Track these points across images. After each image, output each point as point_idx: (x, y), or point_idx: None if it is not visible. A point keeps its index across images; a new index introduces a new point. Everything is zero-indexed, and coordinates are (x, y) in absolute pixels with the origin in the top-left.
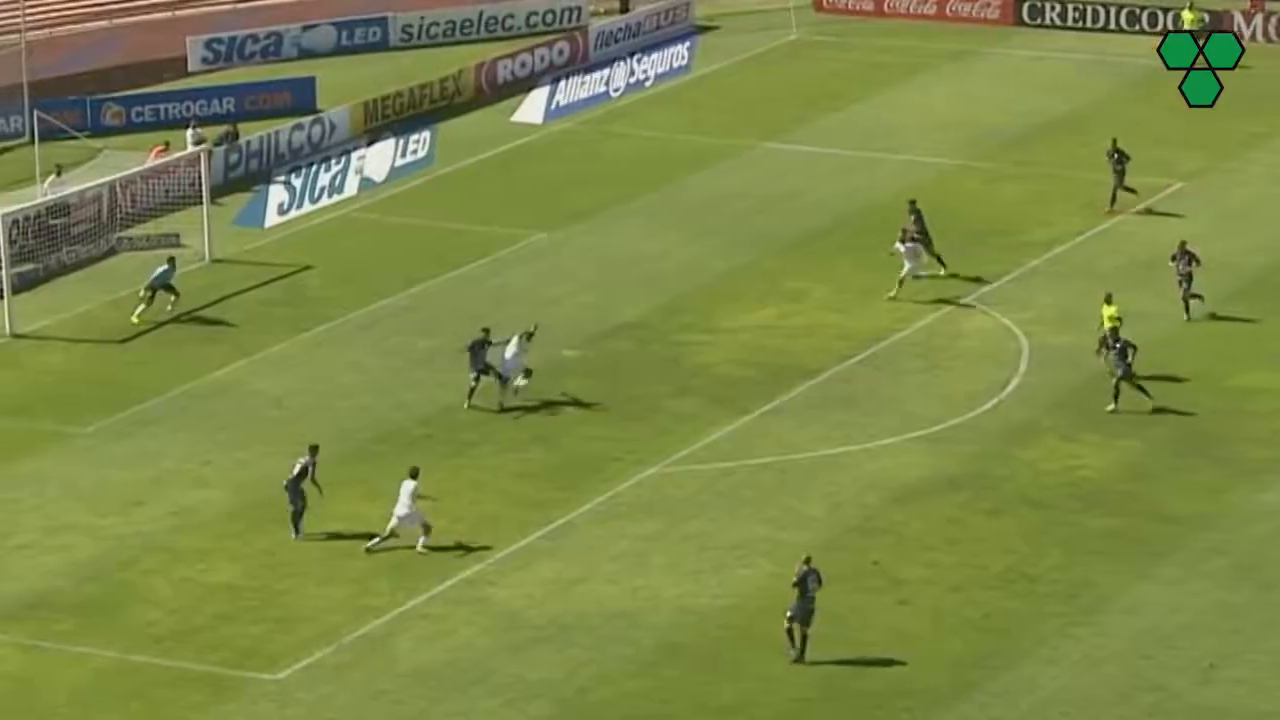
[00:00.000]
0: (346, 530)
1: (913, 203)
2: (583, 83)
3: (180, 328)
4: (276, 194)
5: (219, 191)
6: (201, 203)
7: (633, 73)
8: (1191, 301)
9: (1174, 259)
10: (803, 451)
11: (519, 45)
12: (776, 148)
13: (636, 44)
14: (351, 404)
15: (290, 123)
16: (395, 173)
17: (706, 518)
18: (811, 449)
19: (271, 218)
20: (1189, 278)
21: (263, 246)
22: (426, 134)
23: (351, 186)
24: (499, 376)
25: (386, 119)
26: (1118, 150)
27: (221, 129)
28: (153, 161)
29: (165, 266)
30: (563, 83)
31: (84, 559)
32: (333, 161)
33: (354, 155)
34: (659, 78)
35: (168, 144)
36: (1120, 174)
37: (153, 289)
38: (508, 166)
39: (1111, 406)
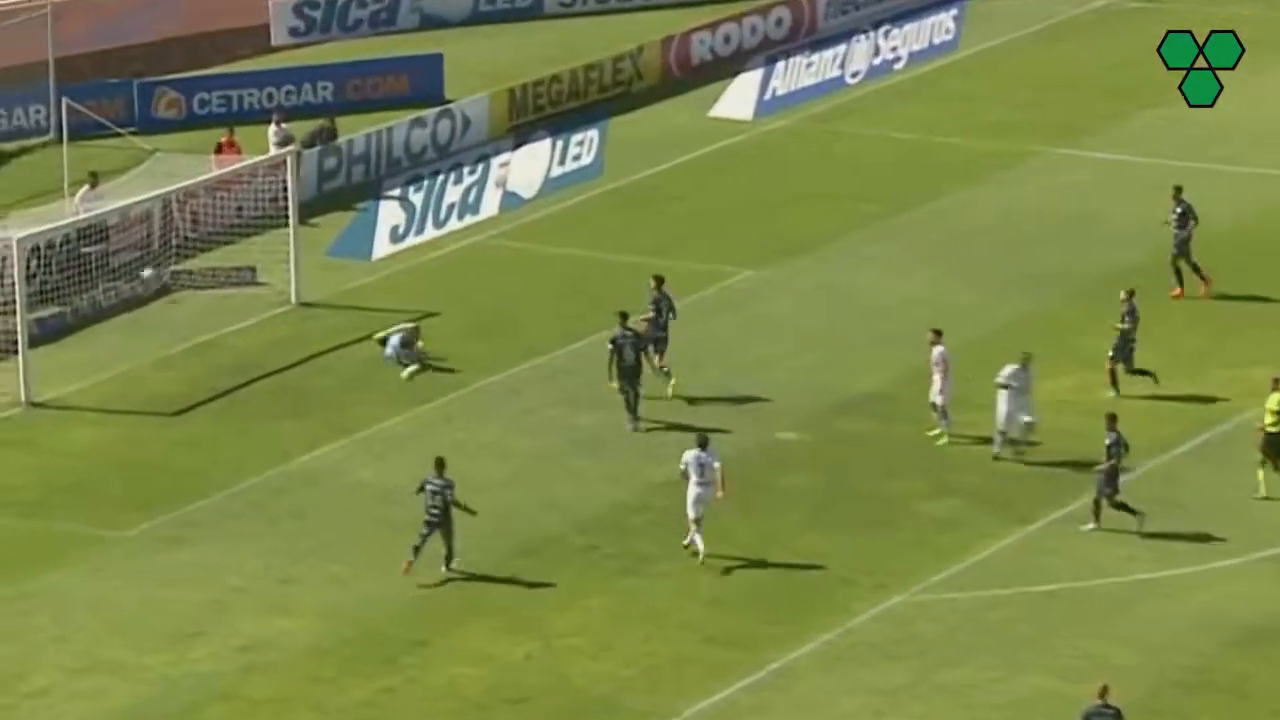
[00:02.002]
0: (477, 675)
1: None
2: (809, 64)
3: (254, 396)
4: (388, 214)
5: (311, 209)
6: (287, 224)
7: (877, 51)
8: None
9: None
10: (1107, 575)
11: (721, 13)
12: (1072, 154)
13: (883, 11)
14: (488, 501)
15: (408, 116)
16: (550, 186)
17: (973, 665)
18: (1119, 572)
19: (382, 246)
20: None
21: (369, 285)
22: (593, 134)
23: (491, 204)
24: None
25: (539, 113)
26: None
27: (314, 125)
28: (219, 168)
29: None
30: (781, 65)
31: (120, 709)
32: (466, 170)
33: (494, 162)
34: (913, 58)
35: (231, 131)
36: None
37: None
38: (704, 178)
39: None
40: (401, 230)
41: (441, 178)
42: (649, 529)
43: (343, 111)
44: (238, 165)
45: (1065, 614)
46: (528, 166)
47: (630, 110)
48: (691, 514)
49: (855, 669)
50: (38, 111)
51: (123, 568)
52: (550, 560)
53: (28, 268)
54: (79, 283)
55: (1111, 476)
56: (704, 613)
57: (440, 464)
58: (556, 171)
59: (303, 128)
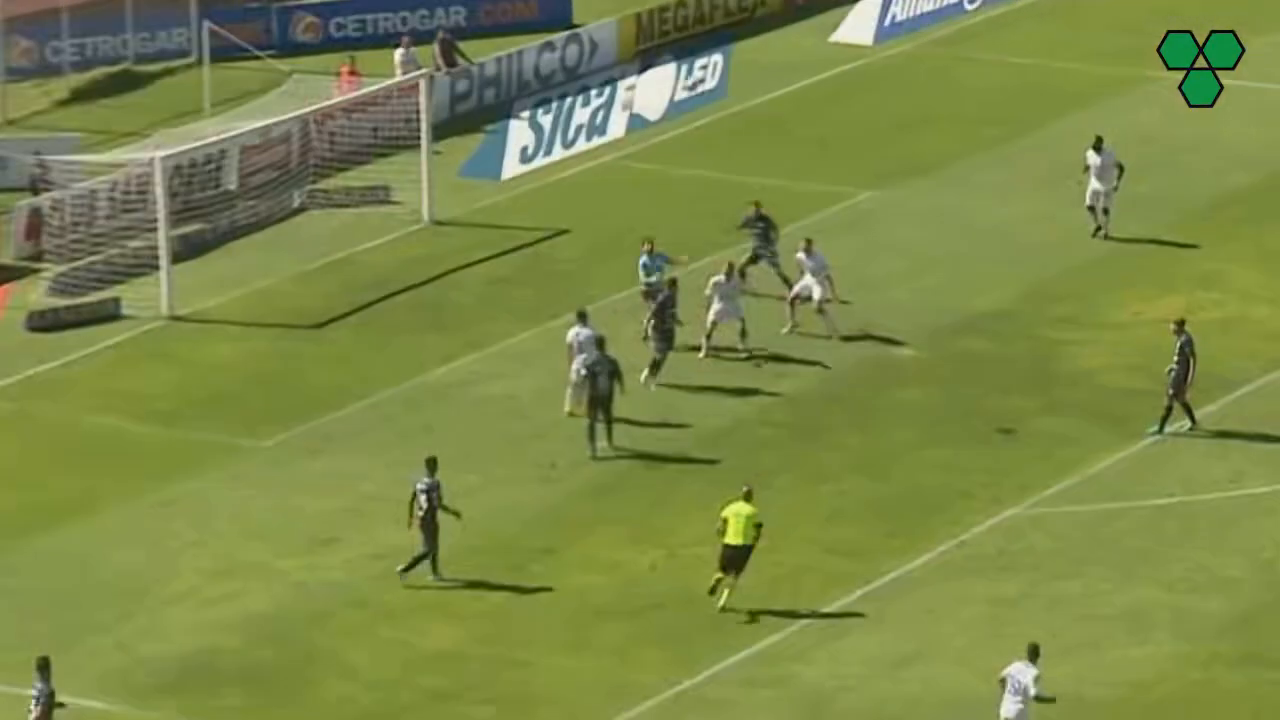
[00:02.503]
0: (604, 583)
1: None
2: None
3: (390, 311)
4: (518, 135)
5: (443, 131)
6: (419, 146)
7: None
8: None
9: None
10: (1218, 490)
11: None
12: None
13: None
14: (620, 409)
15: (537, 40)
16: (676, 108)
17: (1087, 576)
18: (1230, 487)
19: (511, 166)
20: None
21: (499, 204)
22: (718, 58)
23: (618, 126)
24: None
25: (664, 37)
26: None
27: (438, 45)
28: (347, 89)
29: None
30: None
31: (259, 613)
32: (593, 93)
33: (621, 85)
34: None
35: (353, 60)
36: None
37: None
38: (825, 102)
39: None
40: (530, 151)
41: (570, 100)
42: (771, 443)
43: (475, 35)
44: (375, 87)
45: (1176, 527)
46: (654, 90)
47: (754, 35)
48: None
49: (971, 580)
50: (181, 34)
51: (260, 476)
52: (673, 473)
53: (171, 187)
54: (221, 201)
55: (1179, 379)
56: (823, 525)
57: (432, 464)
58: (681, 95)
59: (426, 53)
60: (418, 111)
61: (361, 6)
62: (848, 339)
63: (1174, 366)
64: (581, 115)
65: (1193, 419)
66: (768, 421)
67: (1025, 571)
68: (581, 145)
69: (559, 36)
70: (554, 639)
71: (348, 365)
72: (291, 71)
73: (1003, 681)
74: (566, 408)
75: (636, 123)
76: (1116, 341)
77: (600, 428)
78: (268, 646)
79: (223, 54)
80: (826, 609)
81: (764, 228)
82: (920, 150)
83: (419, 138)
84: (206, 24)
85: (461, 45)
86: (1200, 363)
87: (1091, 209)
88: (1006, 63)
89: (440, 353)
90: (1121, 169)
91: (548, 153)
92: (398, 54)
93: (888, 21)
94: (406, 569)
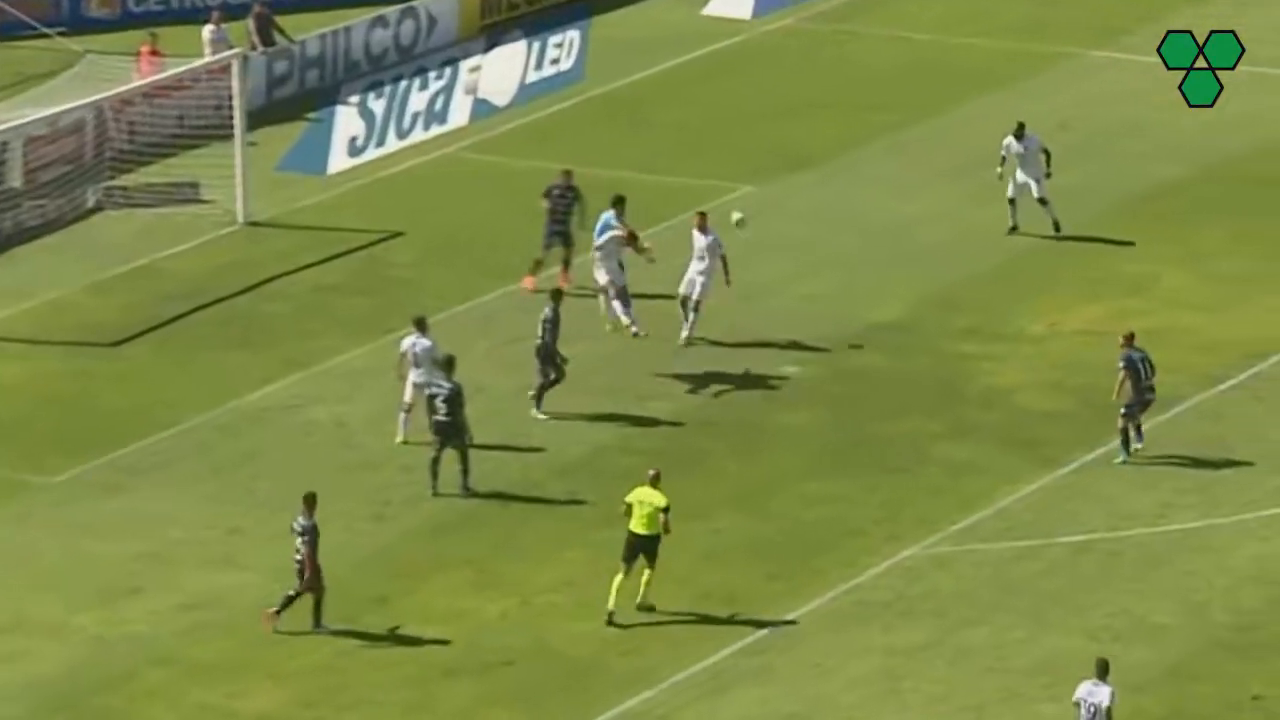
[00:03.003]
0: (447, 636)
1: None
2: None
3: (200, 326)
4: (346, 124)
5: (260, 118)
6: (232, 137)
7: None
8: None
9: None
10: (1144, 525)
11: None
12: (1111, 58)
13: None
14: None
15: (368, 14)
16: (526, 92)
17: (996, 624)
18: (1158, 521)
19: (339, 159)
20: None
21: (324, 203)
22: (574, 35)
23: (460, 113)
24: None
25: (513, 11)
26: None
27: (253, 21)
28: (149, 72)
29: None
30: None
31: (47, 676)
32: (432, 75)
33: (464, 66)
34: None
35: (154, 38)
36: None
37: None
38: (697, 84)
39: None
40: (360, 142)
41: (405, 84)
42: (635, 474)
43: (295, 10)
44: (180, 70)
45: (1098, 568)
46: (501, 71)
47: (615, 9)
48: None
49: (865, 629)
50: None
51: (50, 516)
52: (526, 510)
53: None
54: (2, 200)
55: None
56: (697, 567)
57: (310, 502)
58: (533, 77)
59: (239, 31)
60: (230, 97)
61: None
62: (717, 344)
63: (1150, 385)
64: (418, 101)
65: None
66: (632, 449)
67: (926, 619)
68: (418, 135)
69: (392, 11)
70: (391, 700)
71: (150, 388)
72: (85, 52)
73: (1077, 705)
74: (399, 436)
75: (481, 109)
76: (1031, 356)
77: (453, 462)
78: (58, 715)
79: (4, 32)
80: (701, 663)
81: (568, 201)
82: (804, 139)
83: (231, 127)
84: None
85: (280, 20)
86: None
87: (1013, 202)
88: (901, 39)
89: (258, 373)
90: (1048, 154)
91: (380, 144)
92: (206, 31)
93: None
94: (280, 609)
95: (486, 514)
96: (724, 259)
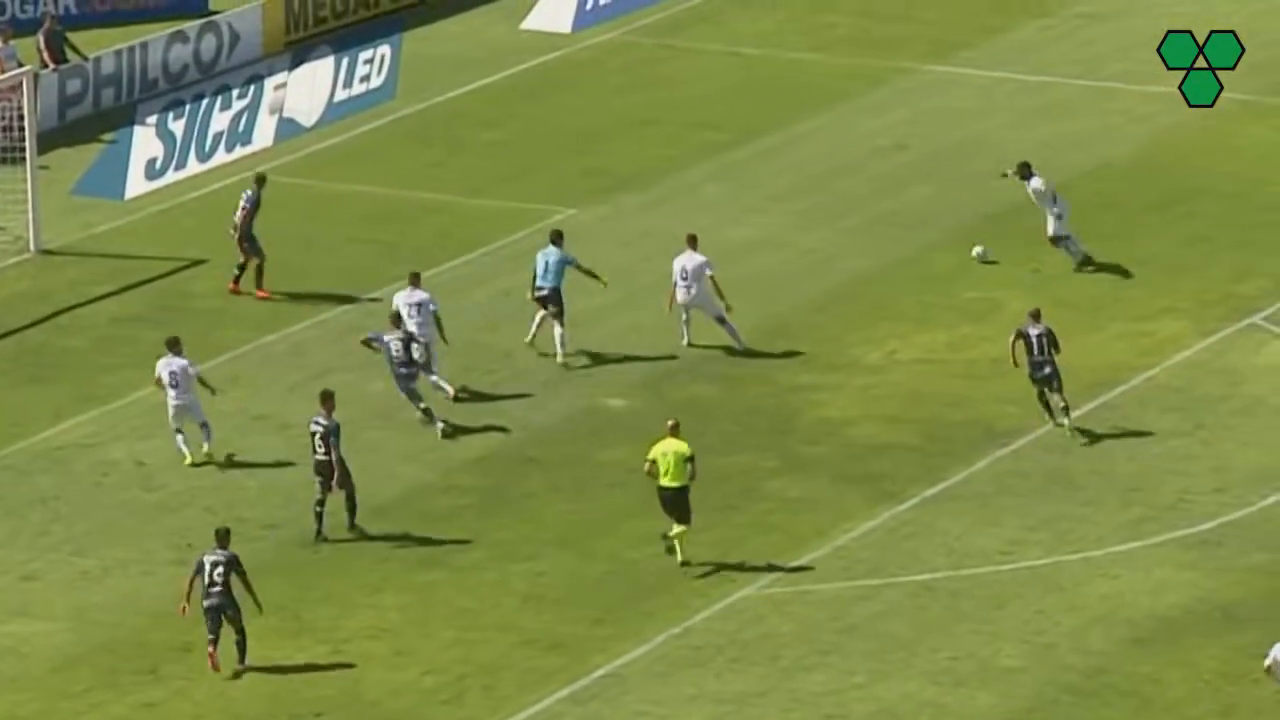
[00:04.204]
0: (253, 687)
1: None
2: None
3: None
4: (144, 145)
5: (51, 141)
6: (23, 160)
7: None
8: None
9: None
10: (989, 563)
11: None
12: (950, 72)
13: None
14: (262, 484)
15: (166, 29)
16: (335, 111)
17: (834, 668)
18: (1002, 559)
19: (136, 183)
20: None
21: (121, 229)
22: (385, 50)
23: (265, 134)
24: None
25: (321, 25)
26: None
27: (43, 36)
28: None
29: None
30: None
31: None
32: (235, 94)
33: (269, 84)
34: None
35: None
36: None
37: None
38: (515, 102)
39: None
40: (159, 165)
41: (206, 103)
42: (454, 514)
43: (88, 25)
44: None
45: (940, 608)
46: (307, 89)
47: (428, 23)
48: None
49: (697, 674)
50: None
51: None
52: (337, 553)
53: None
54: None
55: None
56: (518, 611)
57: (224, 537)
58: (341, 95)
59: (29, 49)
60: (20, 117)
61: None
62: (536, 376)
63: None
64: (221, 120)
65: (1052, 414)
66: (451, 487)
67: (761, 664)
68: (221, 157)
69: (191, 26)
70: None
71: None
72: None
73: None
74: (186, 459)
75: (287, 129)
76: (868, 387)
77: (338, 502)
78: None
79: None
80: (524, 712)
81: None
82: (628, 159)
83: (22, 149)
84: None
85: (73, 36)
86: (966, 411)
87: (1062, 240)
88: (730, 54)
89: (51, 410)
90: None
91: (180, 166)
92: None
93: (589, 5)
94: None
95: (296, 556)
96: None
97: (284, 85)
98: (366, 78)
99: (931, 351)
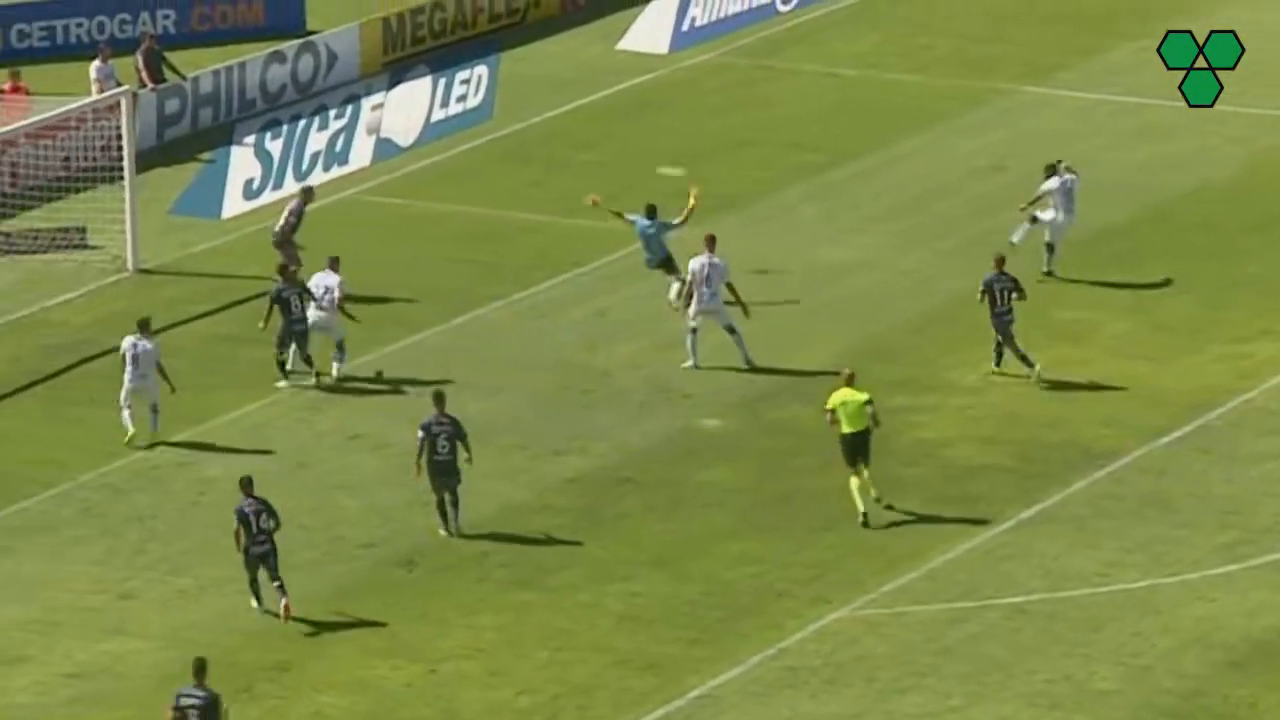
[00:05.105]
0: (348, 707)
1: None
2: None
3: (87, 379)
4: (241, 165)
5: (150, 160)
6: (121, 179)
7: None
8: None
9: None
10: (1086, 586)
11: None
12: (1048, 93)
13: None
14: (360, 503)
15: (264, 49)
16: (432, 131)
17: (929, 690)
18: (1099, 581)
19: (234, 203)
20: None
21: (219, 249)
22: (482, 71)
23: (362, 154)
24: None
25: (418, 45)
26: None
27: (142, 56)
28: (15, 109)
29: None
30: None
31: None
32: (332, 114)
33: (366, 104)
34: None
35: (16, 74)
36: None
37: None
38: (611, 122)
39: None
40: (256, 185)
41: (303, 123)
42: (549, 534)
43: (187, 45)
44: (66, 107)
45: (1037, 631)
46: (405, 109)
47: (526, 43)
48: None
49: (791, 696)
50: None
51: None
52: (432, 569)
53: None
54: None
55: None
56: (613, 632)
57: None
58: (439, 115)
59: (127, 67)
60: (119, 136)
61: (48, 11)
62: (635, 395)
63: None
64: (317, 141)
65: (1029, 363)
66: (546, 507)
67: (856, 685)
68: (318, 177)
69: (290, 46)
70: None
71: (35, 445)
72: None
73: None
74: (127, 434)
75: (384, 149)
76: (964, 408)
77: (449, 501)
78: None
79: None
80: None
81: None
82: (725, 180)
83: (120, 169)
84: None
85: (171, 56)
86: (1063, 433)
87: (1051, 247)
88: (828, 75)
89: (147, 427)
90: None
91: (277, 186)
92: (94, 67)
93: (685, 26)
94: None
95: (393, 576)
96: (730, 284)
97: (381, 105)
98: (464, 98)
99: (1029, 373)
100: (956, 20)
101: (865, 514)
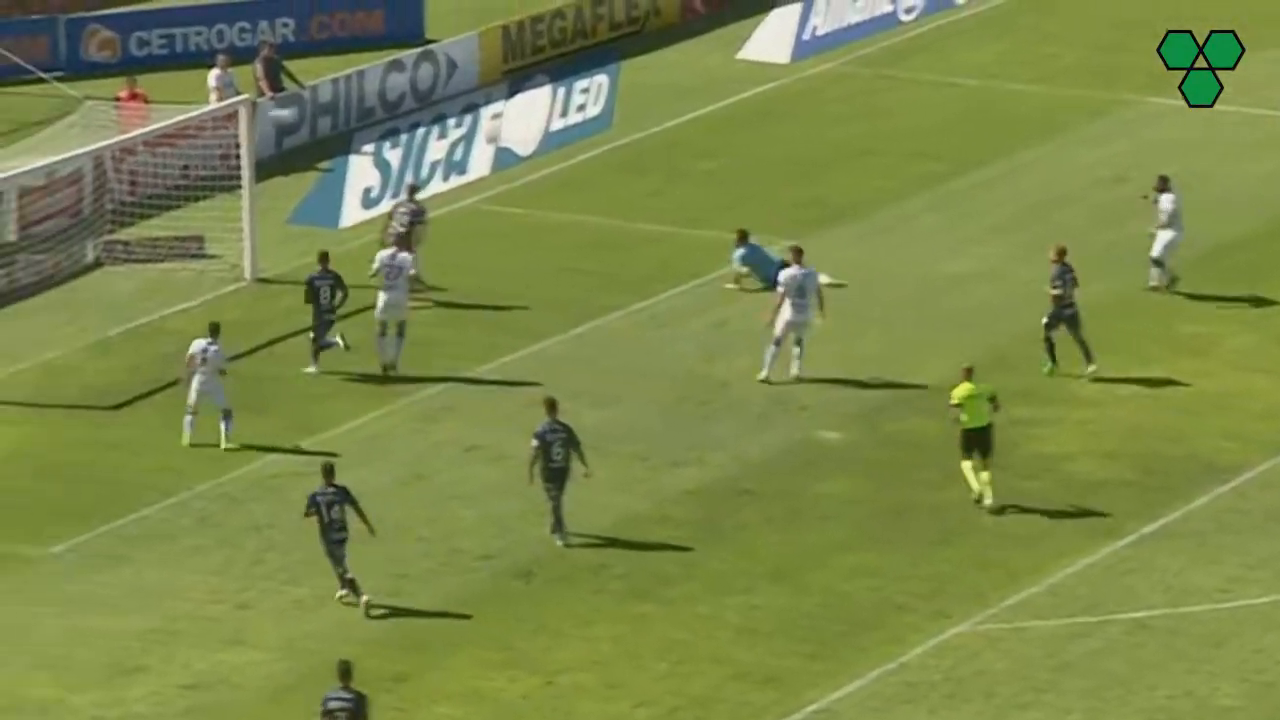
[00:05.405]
0: (463, 716)
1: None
2: None
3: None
4: (359, 174)
5: (268, 169)
6: (239, 187)
7: None
8: None
9: None
10: (1208, 601)
11: None
12: (1171, 104)
13: None
14: (476, 514)
15: (383, 58)
16: (551, 141)
17: (1050, 706)
18: (1221, 597)
19: (352, 212)
20: None
21: (337, 258)
22: (602, 80)
23: (481, 163)
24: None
25: (538, 54)
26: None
27: (261, 65)
28: (133, 117)
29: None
30: None
31: None
32: (451, 123)
33: (485, 113)
34: None
35: (134, 81)
36: None
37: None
38: (732, 132)
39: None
40: (375, 193)
41: (422, 132)
42: (667, 545)
43: (306, 53)
44: (185, 116)
45: (1158, 646)
46: (524, 119)
47: (646, 52)
48: None
49: (910, 711)
50: None
51: (47, 590)
52: (549, 581)
53: None
54: None
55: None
56: (731, 644)
57: (329, 471)
58: (558, 124)
59: (247, 75)
60: (237, 145)
61: (167, 19)
62: (752, 408)
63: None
64: (437, 150)
65: (1090, 359)
66: (664, 518)
67: (975, 701)
68: (437, 186)
69: (409, 54)
70: None
71: (153, 454)
72: (83, 98)
73: None
74: (184, 439)
75: (504, 158)
76: (1086, 421)
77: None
78: None
79: (2, 75)
80: None
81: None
82: (845, 190)
83: (239, 177)
84: None
85: (290, 64)
86: (1185, 447)
87: (1159, 263)
88: (949, 84)
89: (266, 438)
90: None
91: (396, 195)
92: (212, 76)
93: (807, 35)
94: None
95: (510, 587)
96: (820, 293)
97: (501, 114)
98: (583, 107)
99: (1150, 386)
100: (1082, 30)
101: (980, 495)
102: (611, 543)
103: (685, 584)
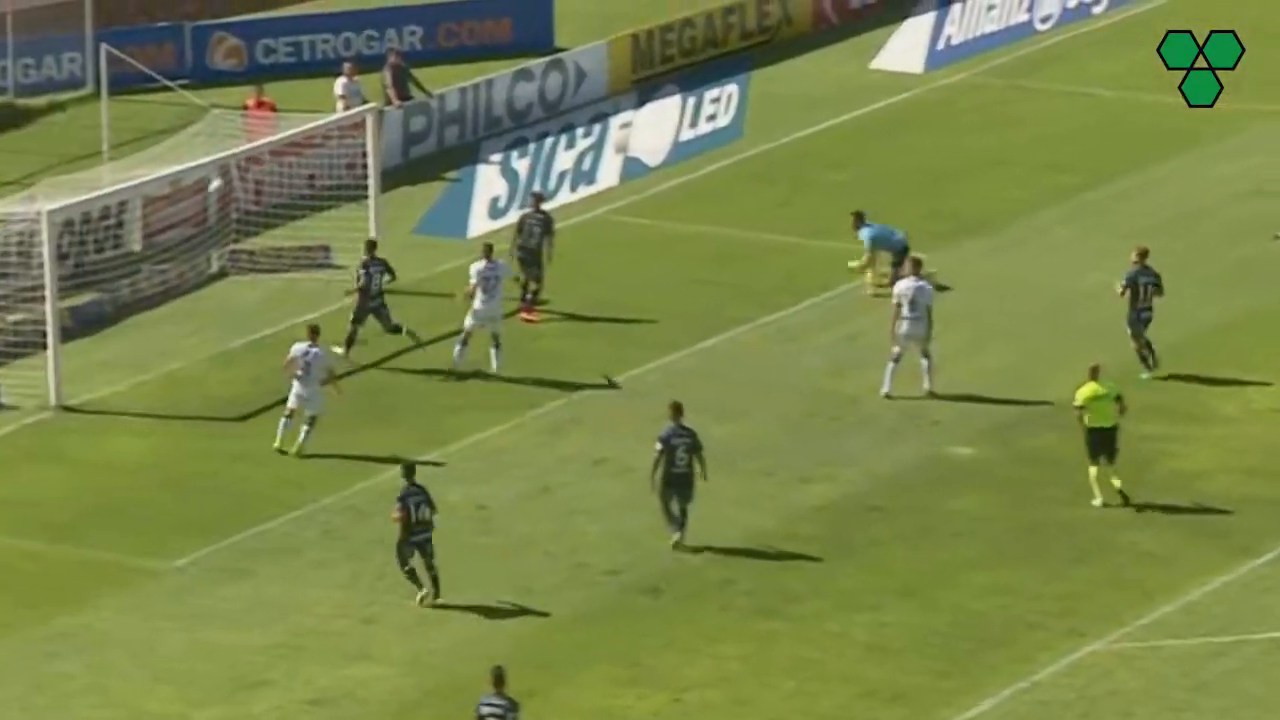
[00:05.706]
0: None
1: None
2: (990, 7)
3: (330, 400)
4: (487, 184)
5: (395, 179)
6: (366, 197)
7: None
8: None
9: None
10: None
11: None
12: None
13: None
14: (602, 528)
15: (512, 66)
16: (681, 151)
17: None
18: None
19: (480, 222)
20: None
21: (464, 268)
22: (732, 89)
23: (610, 173)
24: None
25: (667, 63)
26: None
27: (389, 73)
28: (259, 125)
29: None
30: (957, 8)
31: None
32: (580, 132)
33: (614, 123)
34: (1115, 1)
35: (261, 89)
36: None
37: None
38: (864, 142)
39: None
40: (503, 203)
41: (550, 141)
42: (795, 561)
43: (433, 62)
44: (312, 125)
45: None
46: (653, 128)
47: (776, 61)
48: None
49: None
50: (72, 61)
51: (170, 604)
52: (679, 597)
53: (60, 247)
54: (122, 264)
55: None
56: (861, 662)
57: (410, 470)
58: (688, 134)
59: (374, 82)
60: (364, 154)
61: (294, 26)
62: (882, 422)
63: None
64: (565, 159)
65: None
66: (792, 535)
67: None
68: (565, 196)
69: (537, 63)
70: None
71: (276, 466)
72: (209, 106)
73: None
74: (276, 442)
75: (633, 168)
76: (1225, 438)
77: (680, 512)
78: None
79: (124, 84)
80: None
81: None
82: (979, 202)
83: (365, 187)
84: (104, 48)
85: (417, 73)
86: None
87: None
88: (1083, 95)
89: (391, 451)
90: None
91: (524, 205)
92: (339, 84)
93: (941, 45)
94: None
95: (638, 603)
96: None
97: (630, 124)
98: (713, 117)
99: None
100: None
101: (1105, 503)
102: (738, 558)
103: (813, 601)
